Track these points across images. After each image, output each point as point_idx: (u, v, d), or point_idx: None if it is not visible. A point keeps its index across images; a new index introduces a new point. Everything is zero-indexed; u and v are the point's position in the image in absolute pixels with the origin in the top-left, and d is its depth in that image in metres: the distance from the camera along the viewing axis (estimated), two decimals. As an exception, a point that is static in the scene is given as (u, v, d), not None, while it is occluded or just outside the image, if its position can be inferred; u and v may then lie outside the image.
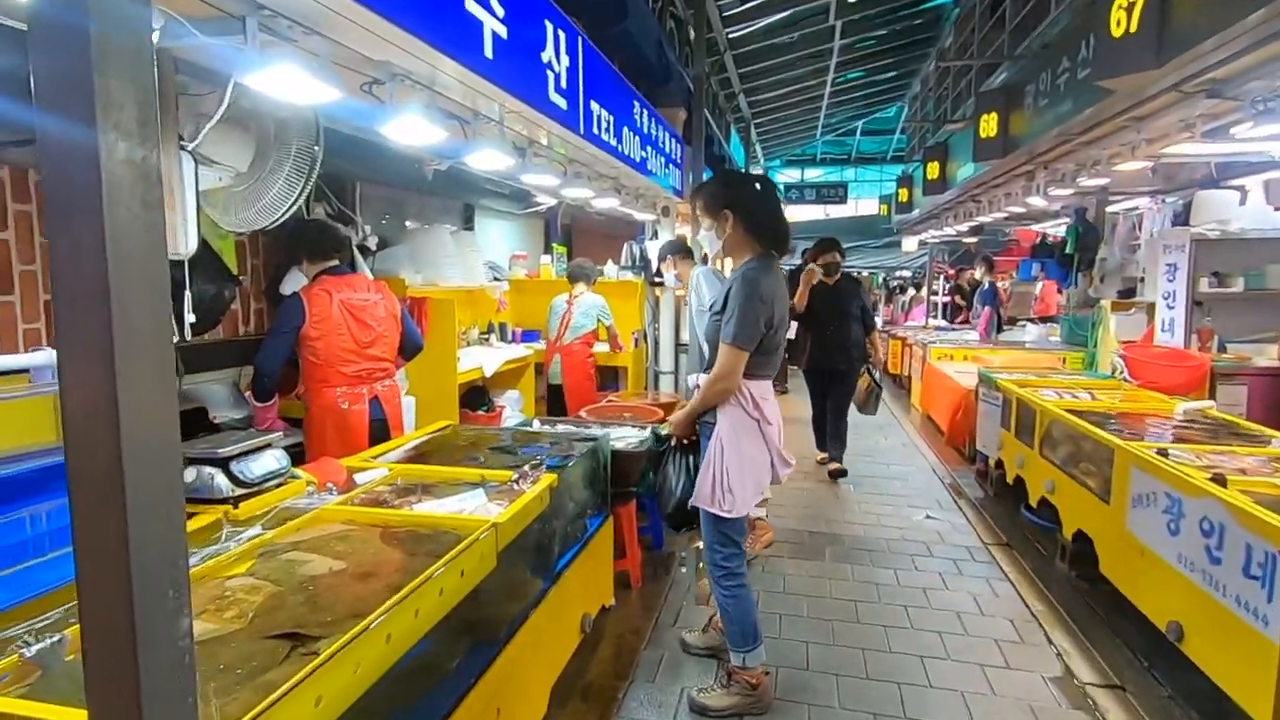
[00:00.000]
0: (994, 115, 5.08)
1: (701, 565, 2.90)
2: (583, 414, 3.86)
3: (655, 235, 5.94)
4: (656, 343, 6.03)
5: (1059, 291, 10.79)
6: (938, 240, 13.27)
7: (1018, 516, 4.44)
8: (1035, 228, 11.58)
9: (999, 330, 9.01)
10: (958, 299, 12.03)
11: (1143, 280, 7.46)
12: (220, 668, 1.21)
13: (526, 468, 2.30)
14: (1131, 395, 4.24)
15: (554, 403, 5.25)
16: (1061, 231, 10.76)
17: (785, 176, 21.45)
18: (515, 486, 2.22)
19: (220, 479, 1.93)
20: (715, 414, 2.42)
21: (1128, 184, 6.47)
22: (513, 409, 4.92)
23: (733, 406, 2.38)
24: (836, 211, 18.63)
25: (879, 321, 11.06)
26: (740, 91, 10.88)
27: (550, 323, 5.24)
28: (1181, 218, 5.42)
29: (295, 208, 2.05)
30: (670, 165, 5.17)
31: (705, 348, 2.56)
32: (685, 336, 5.95)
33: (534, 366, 5.14)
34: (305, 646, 1.29)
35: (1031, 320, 10.84)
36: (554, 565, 2.41)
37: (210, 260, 2.80)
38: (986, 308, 8.95)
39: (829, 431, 5.20)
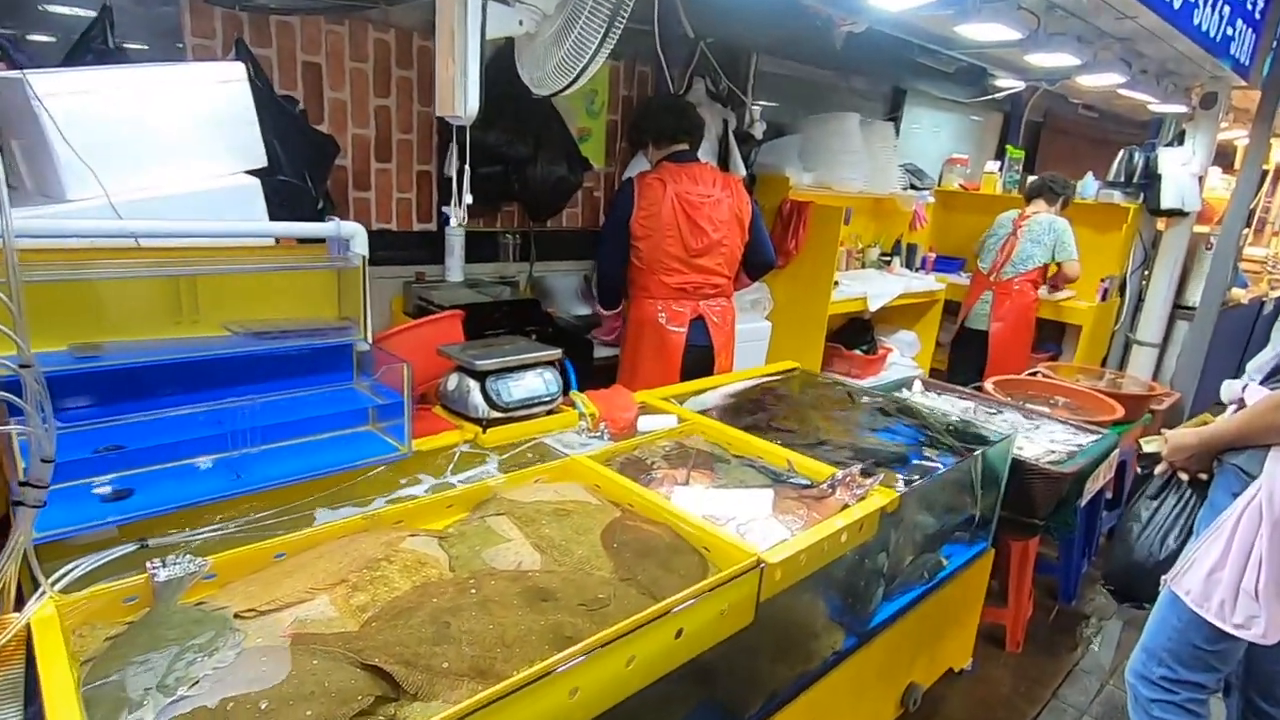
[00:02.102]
0: None
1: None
2: (988, 386, 2.81)
3: (1179, 140, 4.05)
4: (1139, 299, 4.26)
5: None
6: None
7: None
8: None
9: None
10: None
11: None
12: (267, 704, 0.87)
13: (857, 471, 1.55)
14: None
15: (966, 355, 4.14)
16: None
17: None
18: (827, 494, 1.51)
19: (476, 395, 1.67)
20: (1260, 460, 1.35)
21: None
22: (902, 355, 4.02)
23: None
24: None
25: None
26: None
27: (985, 247, 4.03)
28: None
29: (592, 66, 1.56)
30: (1238, 20, 3.29)
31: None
32: (1194, 297, 4.06)
33: (944, 304, 4.06)
34: (381, 709, 0.89)
35: None
36: (868, 618, 1.67)
37: (559, 137, 2.56)
38: None
39: None
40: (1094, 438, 2.34)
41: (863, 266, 4.11)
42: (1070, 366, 3.53)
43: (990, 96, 4.23)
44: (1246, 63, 3.52)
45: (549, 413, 1.81)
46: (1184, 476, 1.53)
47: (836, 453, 1.84)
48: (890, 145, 3.64)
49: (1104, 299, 4.08)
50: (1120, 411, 2.63)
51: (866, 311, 3.60)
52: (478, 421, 1.69)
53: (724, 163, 3.06)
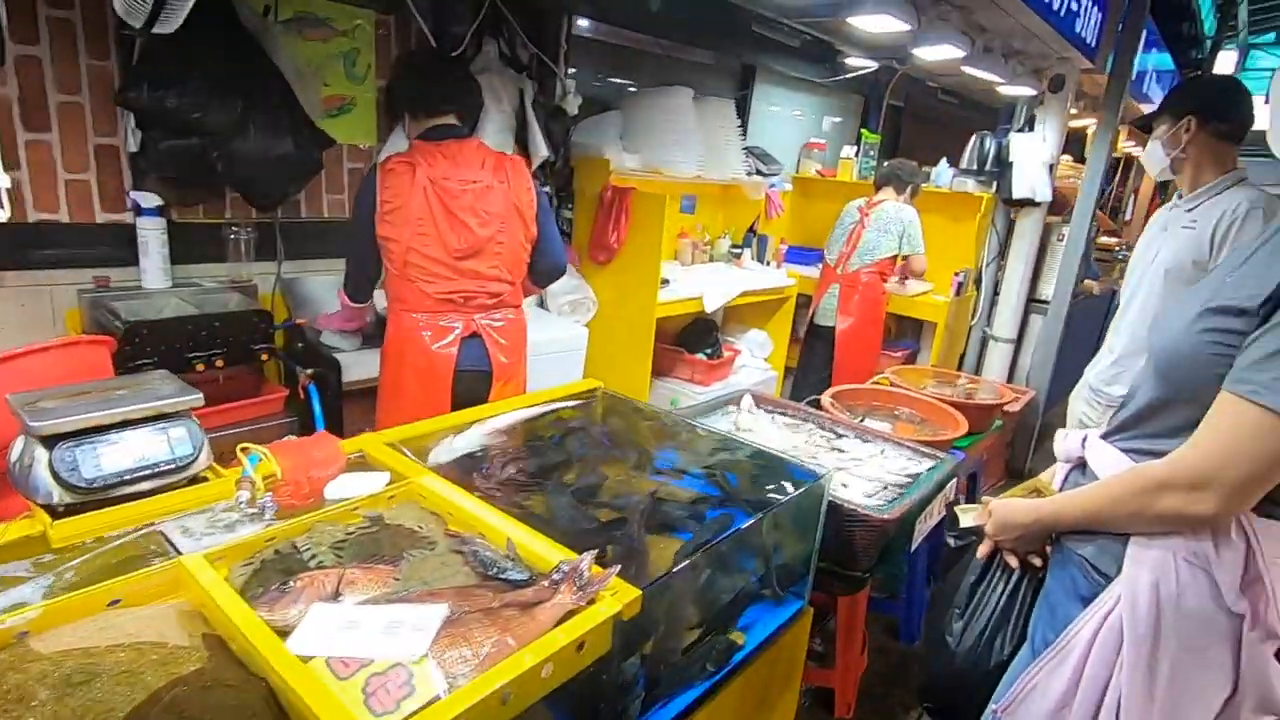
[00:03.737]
0: None
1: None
2: (826, 400, 2.51)
3: (1029, 126, 3.94)
4: (995, 293, 4.17)
5: None
6: None
7: None
8: None
9: None
10: None
11: None
12: None
13: (587, 562, 1.15)
14: None
15: (815, 354, 3.90)
16: None
17: (1272, 61, 15.16)
18: (545, 596, 1.10)
19: (41, 470, 1.15)
20: (1116, 556, 1.04)
21: None
22: (753, 356, 3.72)
23: (1182, 562, 0.98)
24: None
25: None
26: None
27: (833, 237, 3.80)
28: None
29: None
30: (1086, 1, 3.16)
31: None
32: (1048, 291, 3.98)
33: (796, 299, 3.79)
34: None
35: None
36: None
37: (279, 102, 2.03)
38: None
39: None
40: (930, 464, 2.07)
41: (711, 260, 3.78)
42: (921, 370, 3.33)
43: (844, 77, 4.00)
44: (1093, 44, 3.41)
45: (190, 481, 1.31)
46: (1012, 561, 1.22)
47: (600, 512, 1.45)
48: (730, 126, 3.30)
49: (959, 293, 3.95)
50: (963, 428, 2.39)
51: (707, 311, 3.26)
52: (48, 508, 1.17)
53: (524, 143, 2.61)
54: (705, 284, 3.12)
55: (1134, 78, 5.68)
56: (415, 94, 1.98)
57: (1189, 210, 2.02)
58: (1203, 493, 0.90)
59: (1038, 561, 1.17)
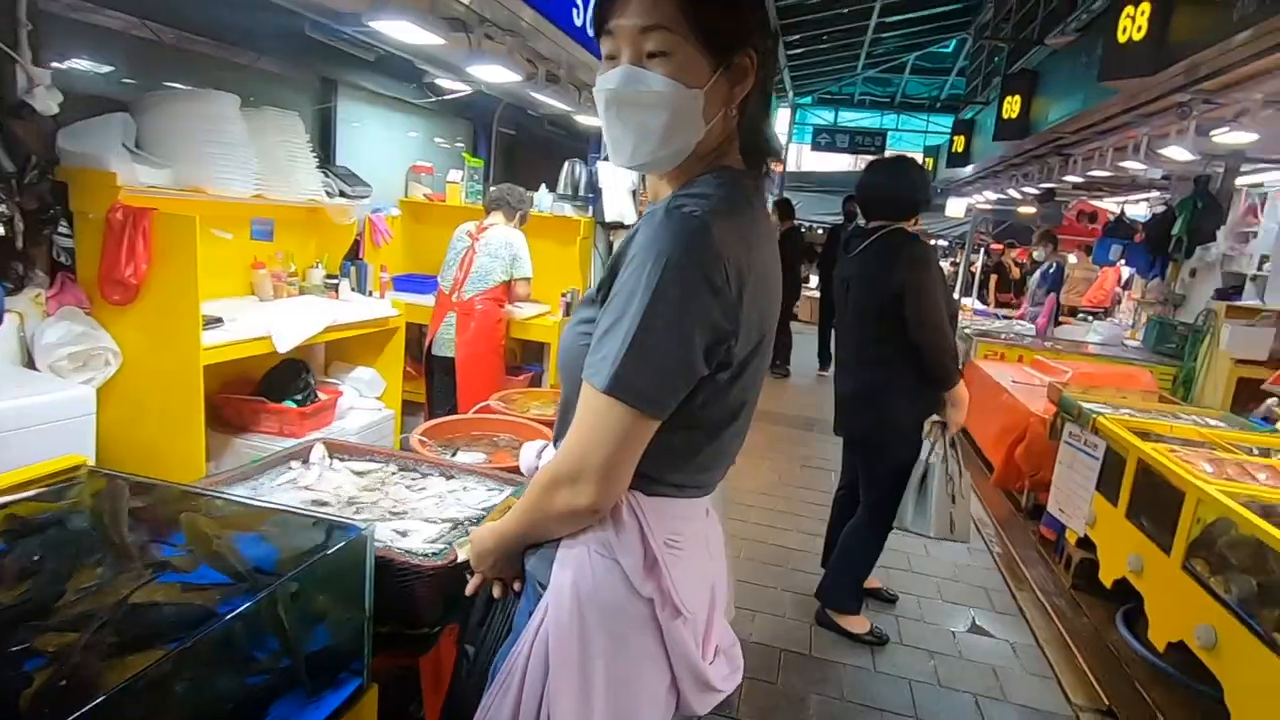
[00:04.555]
0: (1145, 8, 3.38)
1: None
2: (414, 440, 2.32)
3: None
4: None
5: (1120, 284, 9.22)
6: (989, 207, 11.56)
7: (1113, 635, 2.96)
8: (1111, 203, 9.90)
9: (1055, 323, 7.43)
10: (996, 280, 10.47)
11: (1255, 279, 5.94)
12: None
13: None
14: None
15: (438, 386, 3.72)
16: (1141, 210, 9.11)
17: (816, 119, 19.43)
18: None
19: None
20: (552, 556, 1.01)
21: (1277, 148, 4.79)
22: (363, 396, 3.39)
23: (595, 555, 0.98)
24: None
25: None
26: (770, -4, 8.99)
27: (445, 263, 3.66)
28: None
29: None
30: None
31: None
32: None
33: (406, 329, 3.56)
34: None
35: (1093, 312, 9.33)
36: None
37: None
38: (1051, 294, 7.33)
39: (836, 545, 2.93)
40: (511, 490, 2.00)
41: (302, 293, 3.36)
42: (538, 392, 3.35)
43: (444, 98, 3.91)
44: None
45: None
46: (496, 591, 1.15)
47: (42, 639, 1.08)
48: (297, 141, 2.96)
49: (567, 313, 4.11)
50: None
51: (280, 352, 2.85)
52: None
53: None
54: (277, 321, 2.71)
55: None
56: None
57: None
58: (580, 484, 0.91)
59: (516, 586, 1.11)
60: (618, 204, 4.03)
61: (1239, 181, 5.96)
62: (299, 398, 2.99)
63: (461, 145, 4.78)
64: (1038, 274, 7.94)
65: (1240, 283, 5.99)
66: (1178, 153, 4.39)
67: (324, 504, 1.67)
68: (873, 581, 3.08)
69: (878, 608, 3.05)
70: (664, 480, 0.99)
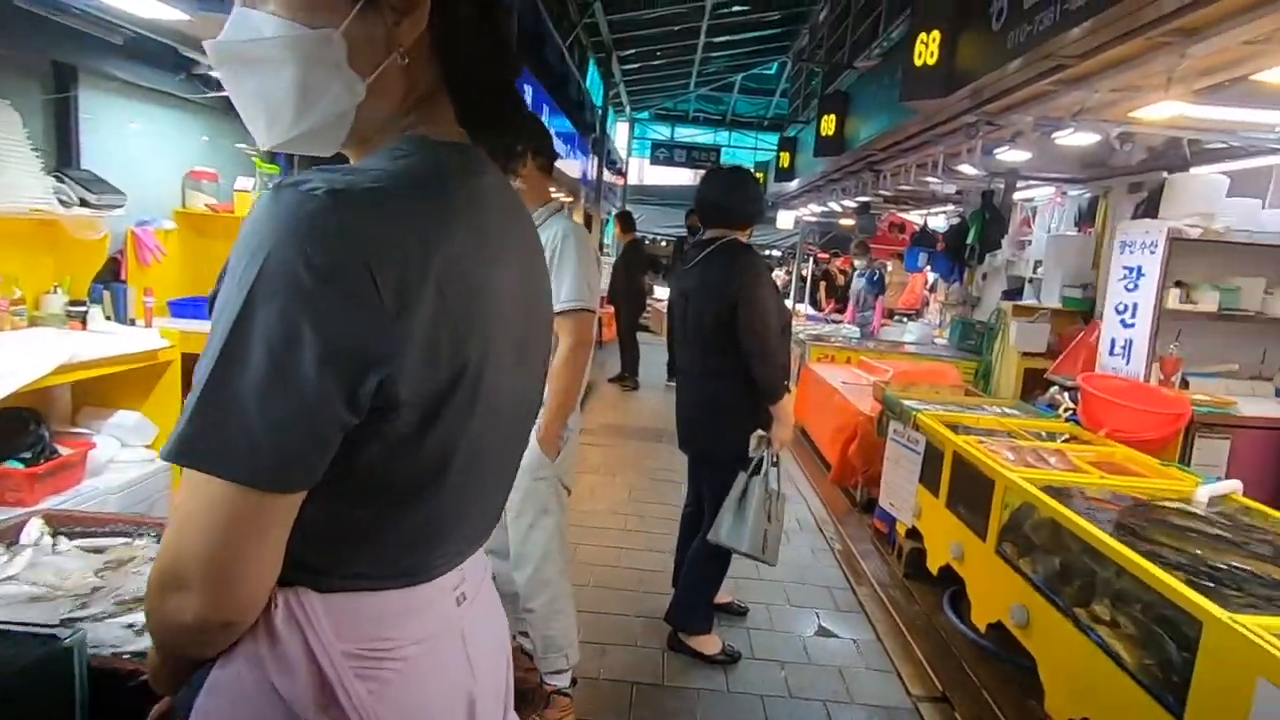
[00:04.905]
0: (935, 35, 3.69)
1: None
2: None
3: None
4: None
5: (928, 288, 10.19)
6: (815, 219, 12.38)
7: (942, 618, 3.16)
8: (916, 215, 10.92)
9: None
10: (825, 287, 11.24)
11: (1032, 281, 6.74)
12: None
13: None
14: (1122, 460, 3.02)
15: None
16: (940, 222, 10.13)
17: (654, 134, 19.99)
18: None
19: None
20: (202, 680, 0.72)
21: (1047, 166, 5.47)
22: (127, 446, 2.91)
23: (247, 679, 0.70)
24: (706, 178, 17.39)
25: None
26: (602, 11, 9.08)
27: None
28: (1144, 209, 4.39)
29: None
30: None
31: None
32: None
33: (184, 361, 3.11)
34: None
35: (906, 314, 10.21)
36: None
37: None
38: (879, 299, 7.94)
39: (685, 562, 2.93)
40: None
41: (31, 324, 2.82)
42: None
43: (216, 94, 3.49)
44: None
45: None
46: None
47: None
48: (13, 137, 2.50)
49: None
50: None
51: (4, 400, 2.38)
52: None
53: None
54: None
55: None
56: None
57: None
58: (185, 591, 0.64)
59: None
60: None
61: (1016, 196, 6.74)
62: (26, 455, 2.50)
63: (236, 148, 4.28)
64: (863, 281, 8.58)
65: (1021, 285, 6.76)
66: (968, 169, 4.86)
67: (39, 598, 1.34)
68: (723, 596, 3.09)
69: (730, 622, 3.06)
70: (343, 570, 0.72)
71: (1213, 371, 4.06)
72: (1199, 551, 2.07)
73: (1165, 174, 4.16)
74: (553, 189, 2.24)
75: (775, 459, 2.63)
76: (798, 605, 3.27)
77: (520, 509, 2.22)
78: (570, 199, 9.76)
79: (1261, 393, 3.96)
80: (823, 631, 3.06)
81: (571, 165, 8.34)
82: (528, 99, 5.60)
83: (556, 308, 2.05)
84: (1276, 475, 3.55)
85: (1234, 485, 2.62)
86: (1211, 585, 1.86)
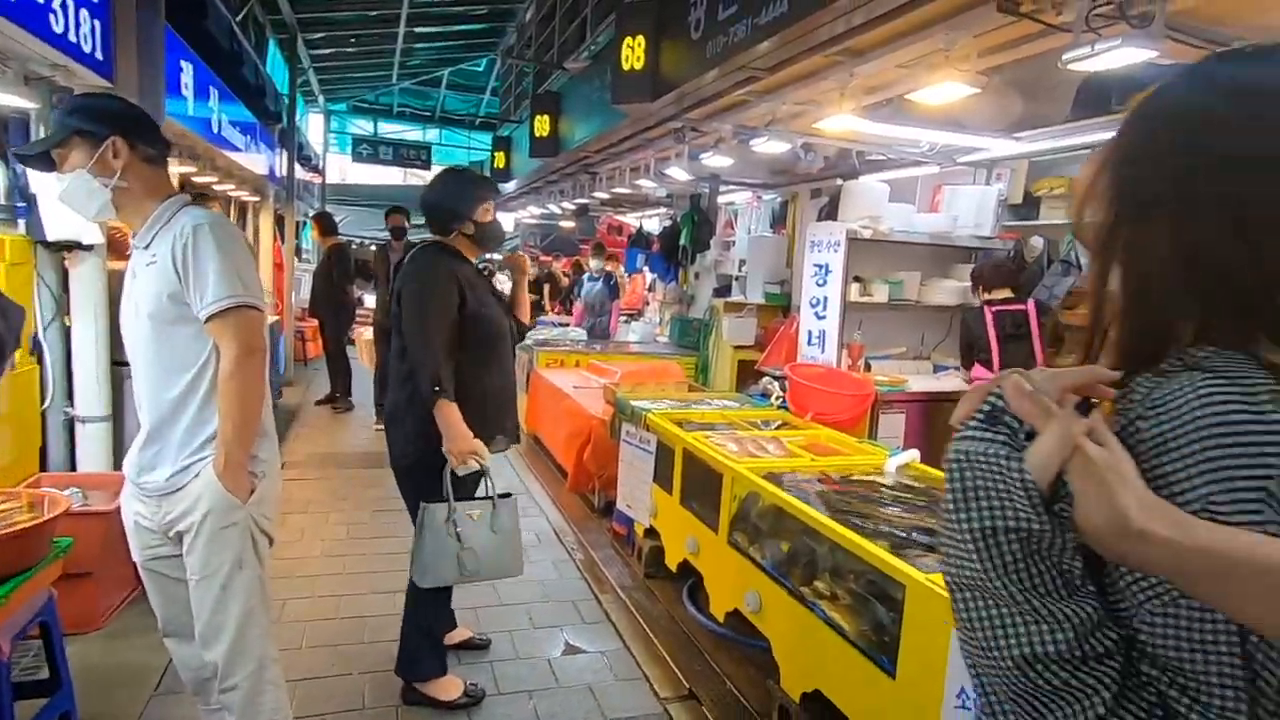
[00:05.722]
0: (640, 40, 3.81)
1: None
2: None
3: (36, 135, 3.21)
4: (68, 360, 3.31)
5: (647, 288, 10.86)
6: (535, 221, 12.45)
7: (682, 612, 3.25)
8: (633, 217, 11.51)
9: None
10: (550, 289, 11.34)
11: (738, 279, 7.47)
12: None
13: None
14: (827, 441, 3.37)
15: None
16: (655, 224, 10.83)
17: (355, 128, 18.56)
18: None
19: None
20: None
21: (745, 172, 6.07)
22: None
23: None
24: (419, 178, 16.59)
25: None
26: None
27: None
28: (826, 212, 5.01)
29: None
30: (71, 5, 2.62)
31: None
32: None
33: None
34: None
35: (629, 314, 10.73)
36: None
37: None
38: (615, 303, 8.15)
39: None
40: None
41: None
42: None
43: None
44: (100, 56, 2.92)
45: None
46: None
47: None
48: None
49: (12, 368, 2.94)
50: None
51: None
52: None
53: None
54: None
55: (218, 130, 5.60)
56: None
57: (147, 247, 1.77)
58: None
59: None
60: (72, 219, 3.00)
61: (720, 199, 7.38)
62: None
63: None
64: (599, 283, 8.65)
65: (729, 282, 7.42)
66: (677, 173, 5.16)
67: None
68: (461, 633, 2.84)
69: (472, 659, 2.82)
70: None
71: (887, 354, 4.78)
72: (894, 518, 2.34)
73: (840, 181, 4.80)
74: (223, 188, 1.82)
75: (454, 476, 2.37)
76: (543, 626, 3.14)
77: (204, 568, 1.78)
78: (256, 198, 8.57)
79: (923, 371, 4.75)
80: (570, 649, 2.96)
81: (255, 159, 7.30)
82: (189, 76, 4.72)
83: (205, 312, 1.70)
84: (939, 440, 4.27)
85: (913, 454, 3.05)
86: (909, 550, 2.09)
